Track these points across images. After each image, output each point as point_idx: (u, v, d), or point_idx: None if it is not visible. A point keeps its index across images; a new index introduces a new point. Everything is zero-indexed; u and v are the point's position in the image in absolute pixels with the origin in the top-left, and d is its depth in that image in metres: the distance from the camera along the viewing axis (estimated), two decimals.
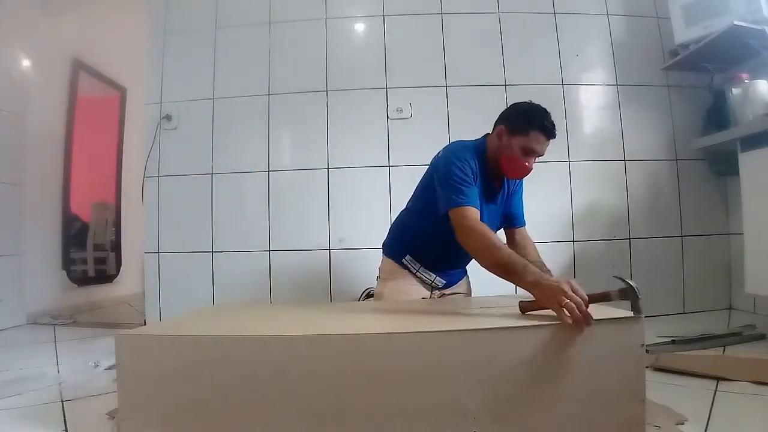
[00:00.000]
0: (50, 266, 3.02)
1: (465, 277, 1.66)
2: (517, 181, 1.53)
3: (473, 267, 2.31)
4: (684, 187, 2.39)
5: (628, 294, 0.98)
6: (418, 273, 1.52)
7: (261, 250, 2.33)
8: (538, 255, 1.49)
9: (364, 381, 0.94)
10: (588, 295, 0.97)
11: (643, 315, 0.97)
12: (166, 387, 0.98)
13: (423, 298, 1.53)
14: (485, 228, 1.22)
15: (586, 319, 0.92)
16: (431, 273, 1.52)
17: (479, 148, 1.42)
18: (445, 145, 1.46)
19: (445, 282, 1.56)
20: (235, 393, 0.95)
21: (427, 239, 1.46)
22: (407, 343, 0.95)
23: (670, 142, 2.41)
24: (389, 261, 1.58)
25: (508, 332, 0.96)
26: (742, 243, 1.97)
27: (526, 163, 1.34)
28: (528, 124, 1.32)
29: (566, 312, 0.93)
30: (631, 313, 0.99)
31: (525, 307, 1.07)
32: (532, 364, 0.95)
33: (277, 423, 0.94)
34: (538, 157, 1.36)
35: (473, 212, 1.25)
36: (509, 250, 1.15)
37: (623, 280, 0.99)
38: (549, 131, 1.33)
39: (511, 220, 1.54)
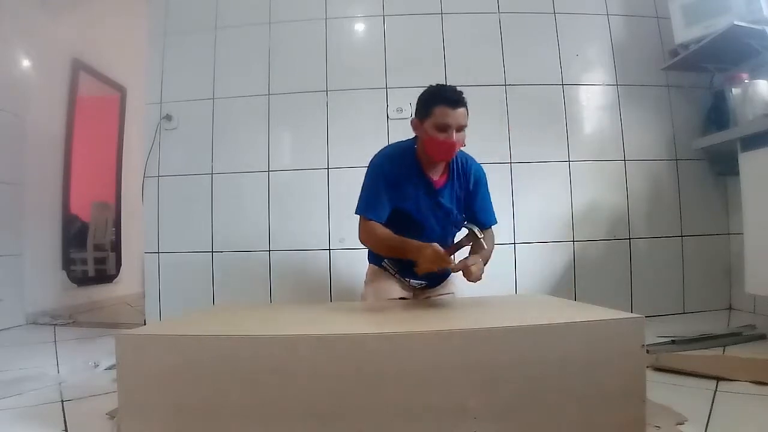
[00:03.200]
0: (50, 266, 3.02)
1: (449, 278, 1.64)
2: (471, 178, 1.51)
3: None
4: (684, 187, 2.39)
5: (471, 237, 1.32)
6: (396, 275, 1.56)
7: (261, 250, 2.33)
8: (489, 252, 1.47)
9: (365, 381, 0.94)
10: (448, 249, 1.30)
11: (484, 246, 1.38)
12: (166, 387, 0.98)
13: (402, 298, 1.55)
14: (373, 227, 1.43)
15: (445, 261, 1.27)
16: (407, 277, 1.55)
17: (407, 147, 1.49)
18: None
19: (424, 283, 1.58)
20: (235, 393, 0.95)
21: None
22: (408, 343, 0.95)
23: (670, 142, 2.41)
24: (371, 265, 1.65)
25: (509, 332, 0.96)
26: (742, 243, 1.98)
27: (446, 139, 1.35)
28: (429, 103, 1.37)
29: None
30: (632, 314, 1.00)
31: (417, 270, 1.32)
32: (532, 363, 0.95)
33: (277, 423, 0.94)
34: (461, 127, 1.37)
35: (369, 222, 1.44)
36: (391, 236, 1.40)
37: (468, 227, 1.33)
38: (450, 101, 1.34)
39: (475, 222, 1.43)
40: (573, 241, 2.32)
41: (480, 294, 1.61)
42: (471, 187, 1.52)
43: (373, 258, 1.63)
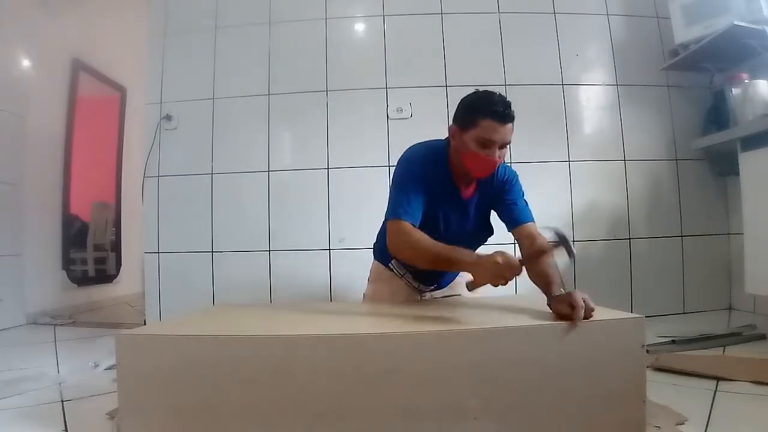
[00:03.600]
0: (50, 266, 3.02)
1: (456, 280, 1.59)
2: (496, 184, 1.38)
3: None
4: (684, 187, 2.39)
5: (560, 242, 1.10)
6: (404, 278, 1.52)
7: (261, 250, 2.33)
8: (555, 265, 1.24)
9: (365, 381, 0.94)
10: (521, 259, 1.11)
11: (575, 257, 1.13)
12: (166, 387, 0.98)
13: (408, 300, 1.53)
14: (413, 233, 1.24)
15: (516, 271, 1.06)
16: (416, 280, 1.51)
17: (439, 149, 1.35)
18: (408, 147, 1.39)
19: (433, 286, 1.55)
20: (235, 393, 0.95)
21: None
22: (407, 343, 0.95)
23: (670, 142, 2.41)
24: (377, 263, 1.59)
25: (508, 332, 0.96)
26: (742, 243, 1.97)
27: (488, 156, 1.22)
28: (475, 114, 1.22)
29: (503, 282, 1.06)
30: (632, 314, 1.00)
31: (470, 287, 1.14)
32: (532, 364, 0.95)
33: (277, 423, 0.94)
34: (503, 145, 1.24)
35: (406, 226, 1.25)
36: (438, 245, 1.19)
37: (553, 230, 1.11)
38: (500, 115, 1.19)
39: (507, 223, 1.39)
40: (573, 241, 2.31)
41: (480, 294, 1.61)
42: (497, 193, 1.38)
43: (380, 256, 1.55)
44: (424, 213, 1.31)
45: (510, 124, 1.23)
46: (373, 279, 1.59)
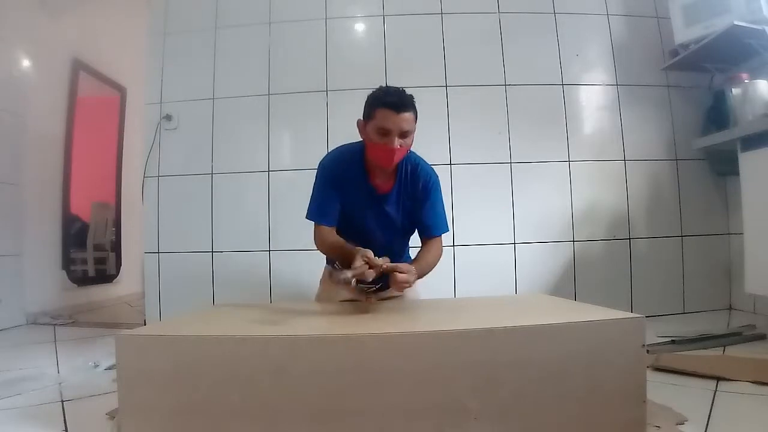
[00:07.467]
0: (50, 266, 3.02)
1: None
2: (420, 184, 1.43)
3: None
4: (684, 187, 2.39)
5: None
6: None
7: (261, 250, 2.33)
8: (427, 264, 1.39)
9: (365, 381, 0.94)
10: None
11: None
12: (166, 387, 0.98)
13: (353, 300, 1.50)
14: (326, 236, 1.40)
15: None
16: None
17: (356, 150, 1.42)
18: None
19: (373, 287, 1.48)
20: (235, 393, 0.95)
21: None
22: (407, 343, 0.95)
23: (670, 142, 2.41)
24: (326, 265, 1.64)
25: (509, 332, 0.96)
26: (742, 243, 1.97)
27: (387, 144, 1.29)
28: (373, 105, 1.32)
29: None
30: (632, 314, 1.00)
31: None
32: (532, 363, 0.95)
33: (277, 423, 0.94)
34: (405, 132, 1.30)
35: (320, 228, 1.42)
36: (345, 249, 1.34)
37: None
38: (393, 104, 1.28)
39: (420, 230, 1.48)
40: (573, 241, 2.32)
41: (480, 294, 1.61)
42: (418, 193, 1.43)
43: (328, 259, 1.62)
44: (344, 211, 1.42)
45: (406, 114, 1.29)
46: (322, 279, 1.63)
